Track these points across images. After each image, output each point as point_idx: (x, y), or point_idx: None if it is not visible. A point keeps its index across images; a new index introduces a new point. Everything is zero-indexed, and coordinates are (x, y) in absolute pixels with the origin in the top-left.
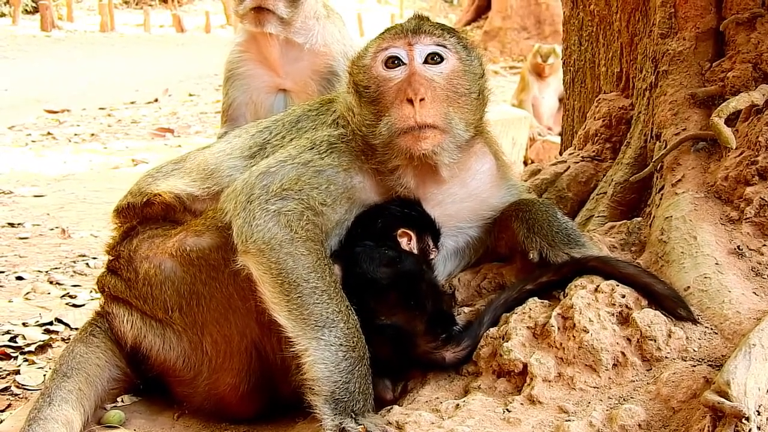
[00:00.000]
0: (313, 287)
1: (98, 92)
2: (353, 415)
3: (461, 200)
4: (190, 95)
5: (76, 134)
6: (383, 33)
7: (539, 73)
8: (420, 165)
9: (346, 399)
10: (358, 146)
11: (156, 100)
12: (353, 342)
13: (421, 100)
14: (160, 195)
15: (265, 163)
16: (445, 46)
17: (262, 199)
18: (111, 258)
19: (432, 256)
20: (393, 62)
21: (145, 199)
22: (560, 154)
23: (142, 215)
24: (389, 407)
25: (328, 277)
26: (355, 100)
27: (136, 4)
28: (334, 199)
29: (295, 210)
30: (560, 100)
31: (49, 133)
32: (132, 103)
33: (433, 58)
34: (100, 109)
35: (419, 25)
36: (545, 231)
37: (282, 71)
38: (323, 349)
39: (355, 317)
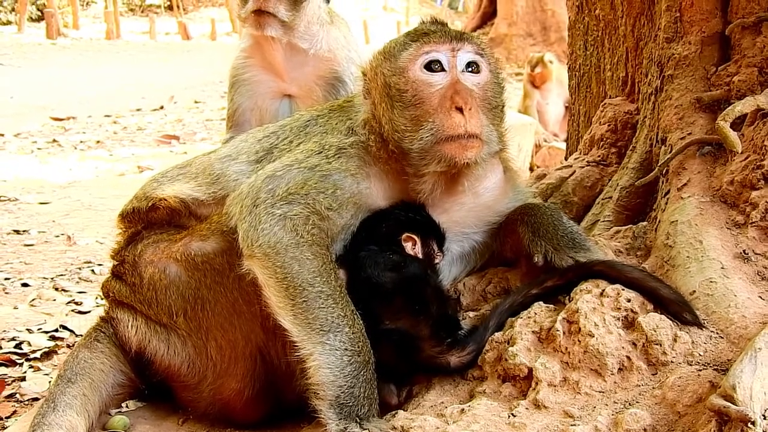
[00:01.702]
0: (319, 291)
1: (104, 99)
2: (358, 420)
3: (469, 209)
4: (196, 102)
5: (81, 141)
6: (421, 36)
7: (532, 81)
8: (451, 173)
9: (351, 404)
10: (377, 151)
11: (161, 108)
12: (358, 347)
13: (470, 109)
14: (166, 199)
15: (271, 167)
16: (482, 56)
17: (268, 203)
18: (116, 263)
19: (437, 261)
20: (434, 67)
21: (150, 204)
22: (566, 158)
23: (147, 220)
24: (394, 412)
25: (334, 282)
26: (386, 103)
27: (142, 12)
28: (341, 203)
29: (301, 214)
30: (566, 107)
31: (54, 141)
32: (137, 110)
33: (472, 68)
34: (106, 116)
35: (461, 33)
36: (550, 235)
37: (287, 77)
38: (328, 354)
39: (361, 322)
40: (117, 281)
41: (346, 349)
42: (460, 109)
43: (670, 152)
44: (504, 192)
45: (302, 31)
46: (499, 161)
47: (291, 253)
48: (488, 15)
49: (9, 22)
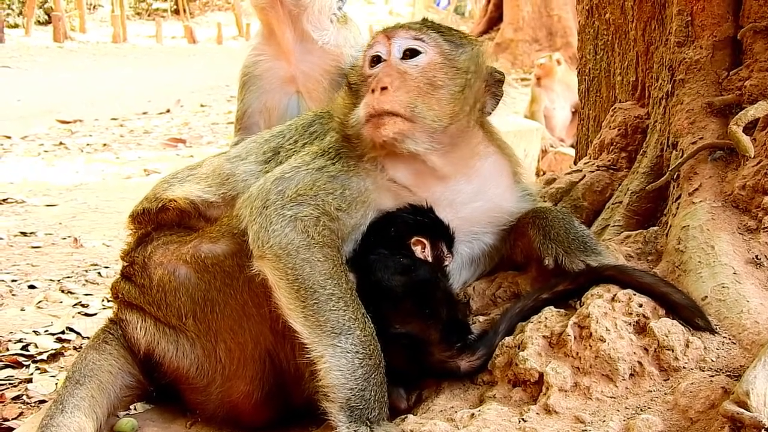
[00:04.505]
0: (330, 294)
1: (110, 103)
2: (368, 423)
3: (471, 200)
4: (202, 106)
5: (88, 144)
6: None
7: (537, 79)
8: (393, 156)
9: (361, 407)
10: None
11: (168, 111)
12: (370, 350)
13: (383, 88)
14: (175, 200)
15: (279, 169)
16: (422, 40)
17: (278, 205)
18: (125, 264)
19: (446, 263)
20: (375, 60)
21: (160, 205)
22: (575, 163)
23: (157, 221)
24: (403, 416)
25: (345, 284)
26: (341, 99)
27: (149, 16)
28: (349, 203)
29: (312, 215)
30: (573, 112)
31: (61, 143)
32: (144, 113)
33: (409, 53)
34: (113, 119)
35: (400, 23)
36: (561, 238)
37: (293, 59)
38: (339, 356)
39: (371, 325)
40: (126, 282)
41: (357, 352)
42: (374, 91)
43: (682, 157)
44: (509, 187)
45: (314, 17)
46: (492, 151)
47: (302, 254)
48: (494, 20)
49: (16, 25)
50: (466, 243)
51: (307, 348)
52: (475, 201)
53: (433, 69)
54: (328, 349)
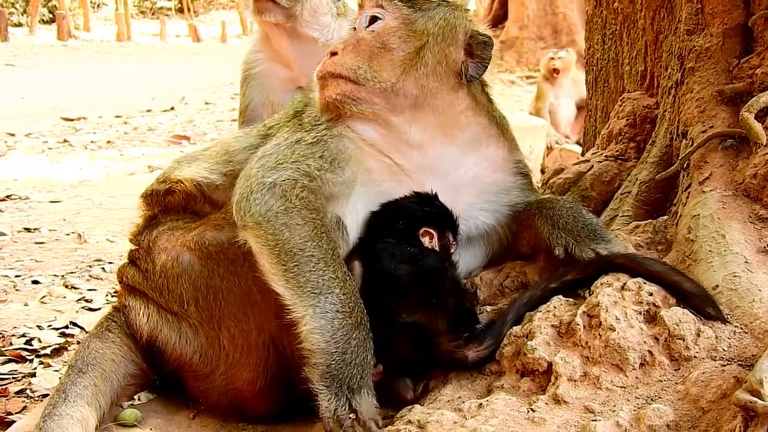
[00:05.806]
0: (310, 255)
1: (114, 100)
2: (349, 393)
3: (453, 167)
4: (206, 103)
5: (92, 141)
6: None
7: (551, 71)
8: (356, 117)
9: (342, 375)
10: None
11: (172, 108)
12: (349, 307)
13: (333, 53)
14: (182, 182)
15: (262, 149)
16: (383, 7)
17: (258, 175)
18: (133, 247)
19: (452, 251)
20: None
21: (167, 187)
22: (582, 154)
23: (164, 204)
24: (410, 406)
25: (325, 245)
26: None
27: (153, 14)
28: (331, 162)
29: (290, 178)
30: (578, 108)
31: (65, 141)
32: (148, 111)
33: (371, 20)
34: (117, 116)
35: None
36: (570, 227)
37: (296, 66)
38: (319, 317)
39: (353, 283)
40: (131, 267)
41: (337, 311)
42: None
43: (692, 146)
44: (501, 160)
45: (308, 20)
46: (474, 122)
47: (281, 219)
48: (499, 18)
49: (20, 24)
50: (462, 221)
51: (290, 310)
52: (458, 168)
53: (387, 33)
54: (308, 310)
